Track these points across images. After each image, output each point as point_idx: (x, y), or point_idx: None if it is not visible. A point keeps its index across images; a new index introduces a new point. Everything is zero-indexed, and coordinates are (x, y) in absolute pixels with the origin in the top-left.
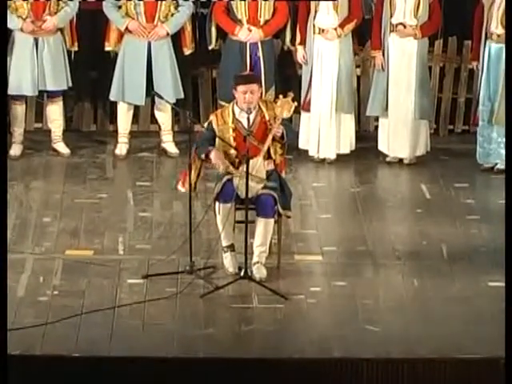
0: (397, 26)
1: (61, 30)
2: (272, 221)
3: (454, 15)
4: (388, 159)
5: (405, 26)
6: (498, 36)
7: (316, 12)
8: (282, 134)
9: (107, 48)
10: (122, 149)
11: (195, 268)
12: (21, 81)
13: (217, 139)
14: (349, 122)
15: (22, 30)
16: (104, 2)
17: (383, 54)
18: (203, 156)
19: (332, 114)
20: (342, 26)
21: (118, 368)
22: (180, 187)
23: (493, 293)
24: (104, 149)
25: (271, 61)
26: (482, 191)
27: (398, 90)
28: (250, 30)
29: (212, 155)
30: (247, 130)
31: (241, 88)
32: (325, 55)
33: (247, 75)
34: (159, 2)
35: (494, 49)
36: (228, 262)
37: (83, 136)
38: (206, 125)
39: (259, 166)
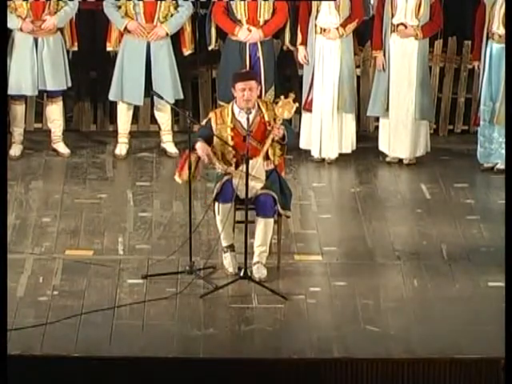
0: (398, 26)
1: (61, 29)
2: (272, 221)
3: (454, 15)
4: (388, 159)
5: (406, 27)
6: (500, 36)
7: (318, 12)
8: (283, 135)
9: (108, 48)
10: (121, 149)
11: (195, 268)
12: (20, 81)
13: (214, 138)
14: (350, 121)
15: (21, 29)
16: (104, 2)
17: (384, 55)
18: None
19: (334, 114)
20: (343, 25)
21: (117, 368)
22: (177, 178)
23: (493, 293)
24: (104, 149)
25: (271, 61)
26: (481, 191)
27: (399, 91)
28: (250, 31)
29: (197, 146)
30: (247, 130)
31: (239, 85)
32: (326, 55)
33: (245, 72)
34: (159, 3)
35: (495, 49)
36: (228, 262)
37: (83, 136)
38: (204, 121)
39: (259, 166)
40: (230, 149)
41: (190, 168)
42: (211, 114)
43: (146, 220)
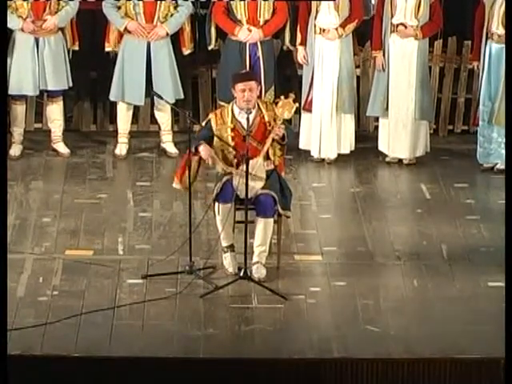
0: (397, 26)
1: (61, 29)
2: (272, 221)
3: (454, 15)
4: (388, 159)
5: (406, 27)
6: (499, 36)
7: (317, 12)
8: (283, 135)
9: (107, 48)
10: (121, 149)
11: (195, 268)
12: (22, 81)
13: (215, 138)
14: (349, 122)
15: (22, 29)
16: (103, 2)
17: (384, 55)
18: (193, 149)
19: (333, 114)
20: (343, 25)
21: (117, 368)
22: (175, 184)
23: (493, 293)
24: (104, 149)
25: (271, 61)
26: (482, 191)
27: (399, 91)
28: (250, 30)
29: (201, 148)
30: (246, 130)
31: (239, 86)
32: (326, 55)
33: (245, 73)
34: (158, 3)
35: (494, 49)
36: (228, 262)
37: (83, 136)
38: (204, 122)
39: (259, 166)
40: (231, 149)
41: (189, 173)
42: (211, 115)
43: (146, 220)
